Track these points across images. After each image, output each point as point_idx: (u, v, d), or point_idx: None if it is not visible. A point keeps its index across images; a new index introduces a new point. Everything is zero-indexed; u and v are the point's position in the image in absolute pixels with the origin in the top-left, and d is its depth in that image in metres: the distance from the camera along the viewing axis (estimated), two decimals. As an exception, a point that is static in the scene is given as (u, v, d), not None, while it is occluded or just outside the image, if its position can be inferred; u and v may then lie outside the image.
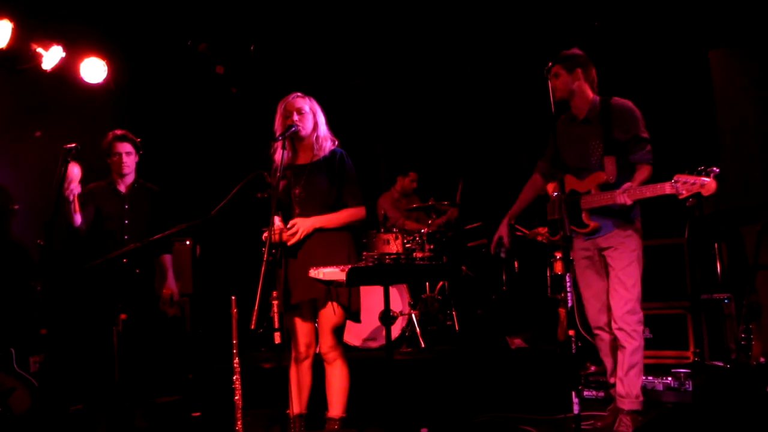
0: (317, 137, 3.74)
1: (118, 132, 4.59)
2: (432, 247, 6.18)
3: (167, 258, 4.76)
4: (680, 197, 3.35)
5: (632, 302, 3.67)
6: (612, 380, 3.92)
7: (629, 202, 3.54)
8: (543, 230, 5.73)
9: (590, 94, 3.85)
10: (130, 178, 4.67)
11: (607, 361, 3.93)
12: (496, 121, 7.62)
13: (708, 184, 3.27)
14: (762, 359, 4.69)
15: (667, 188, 3.39)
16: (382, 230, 6.06)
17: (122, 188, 4.64)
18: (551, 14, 6.34)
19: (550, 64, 3.63)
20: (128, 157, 4.59)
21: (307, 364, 3.73)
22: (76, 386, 4.42)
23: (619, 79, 5.64)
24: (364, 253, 3.42)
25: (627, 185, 3.58)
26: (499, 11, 6.39)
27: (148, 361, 4.49)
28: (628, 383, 3.68)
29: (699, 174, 3.29)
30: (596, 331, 3.93)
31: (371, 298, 5.64)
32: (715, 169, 3.30)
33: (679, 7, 6.03)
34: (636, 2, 6.11)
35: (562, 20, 6.38)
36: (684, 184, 3.31)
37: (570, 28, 6.40)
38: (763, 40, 5.87)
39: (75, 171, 4.24)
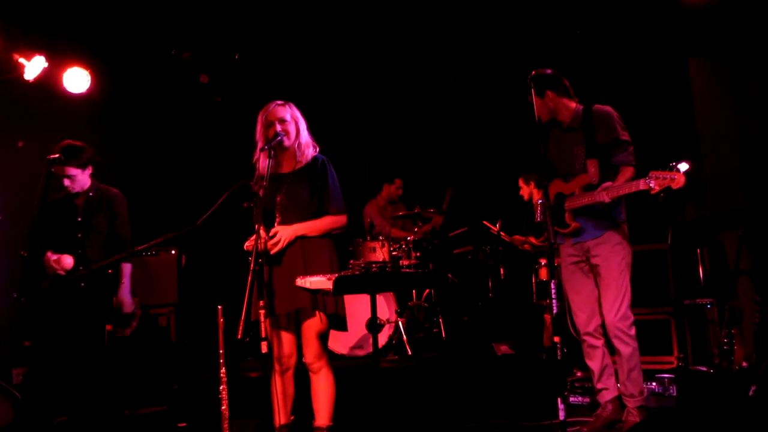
0: (299, 144, 3.72)
1: (65, 149, 4.20)
2: (418, 254, 6.19)
3: (126, 266, 4.44)
4: (652, 192, 3.46)
5: (624, 309, 3.77)
6: (599, 386, 3.95)
7: (607, 199, 3.64)
8: (530, 240, 5.77)
9: (571, 104, 3.95)
10: (83, 189, 4.39)
11: (594, 366, 3.95)
12: (480, 128, 7.66)
13: (678, 178, 3.39)
14: (744, 364, 4.75)
15: (641, 184, 3.50)
16: (369, 238, 6.06)
17: (77, 200, 4.39)
18: (534, 22, 6.40)
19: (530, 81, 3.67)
20: (71, 181, 4.29)
21: (289, 375, 3.70)
22: (60, 398, 4.36)
23: (601, 86, 5.71)
24: (351, 261, 3.43)
25: (607, 184, 3.69)
26: (482, 20, 6.44)
27: (132, 372, 4.43)
28: (631, 384, 3.80)
29: (671, 170, 3.41)
30: (585, 337, 3.96)
31: (358, 306, 5.63)
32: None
33: (660, 16, 6.12)
34: (618, 11, 6.18)
35: (544, 28, 6.44)
36: (656, 179, 3.42)
37: (552, 36, 6.48)
38: (741, 49, 5.97)
39: (68, 261, 4.21)
